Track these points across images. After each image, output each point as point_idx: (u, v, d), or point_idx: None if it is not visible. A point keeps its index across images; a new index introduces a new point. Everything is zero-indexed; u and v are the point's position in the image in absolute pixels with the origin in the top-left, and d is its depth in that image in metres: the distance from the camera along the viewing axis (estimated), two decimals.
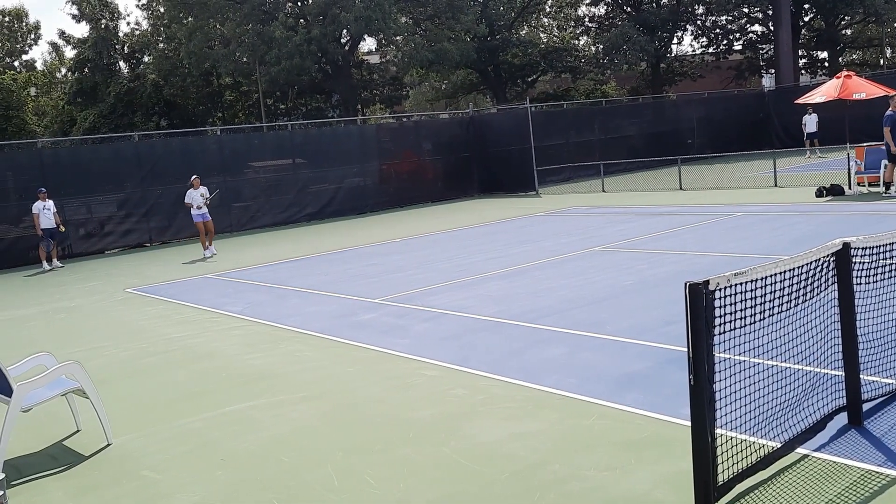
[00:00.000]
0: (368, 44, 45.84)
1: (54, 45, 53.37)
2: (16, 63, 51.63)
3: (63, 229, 18.46)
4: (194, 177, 18.25)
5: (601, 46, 44.85)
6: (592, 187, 25.49)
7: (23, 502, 5.03)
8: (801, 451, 4.59)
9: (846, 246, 4.74)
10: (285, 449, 5.57)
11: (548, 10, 49.55)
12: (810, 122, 28.63)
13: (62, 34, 48.14)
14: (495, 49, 44.02)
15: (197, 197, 17.82)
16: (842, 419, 4.98)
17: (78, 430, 6.36)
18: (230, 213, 23.07)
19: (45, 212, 17.69)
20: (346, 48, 39.99)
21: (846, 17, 45.85)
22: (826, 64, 49.24)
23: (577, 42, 50.33)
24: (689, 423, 3.97)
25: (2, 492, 2.21)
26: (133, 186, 21.57)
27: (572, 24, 51.02)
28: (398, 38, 36.83)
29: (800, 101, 20.10)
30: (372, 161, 26.24)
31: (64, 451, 5.99)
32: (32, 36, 52.96)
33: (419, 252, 15.13)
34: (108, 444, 5.98)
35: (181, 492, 5.03)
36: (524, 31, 47.19)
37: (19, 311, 12.73)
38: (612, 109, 35.45)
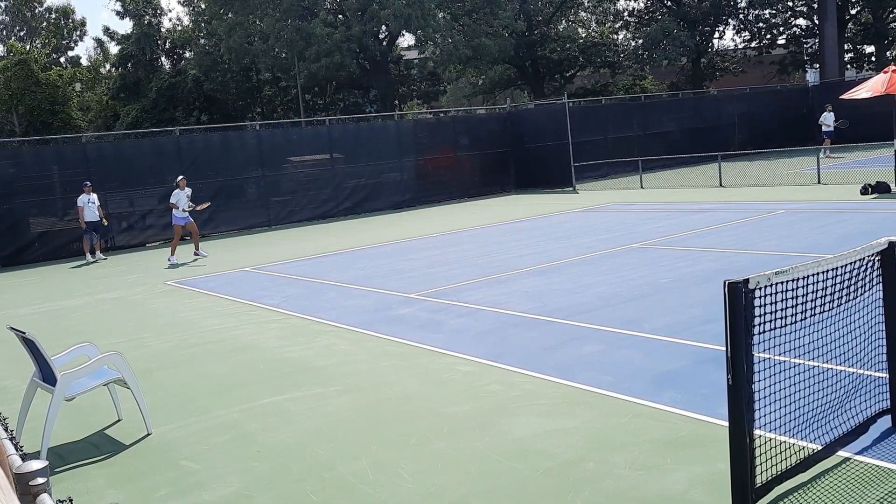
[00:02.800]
0: (407, 39, 45.98)
1: (99, 42, 54.46)
2: (62, 59, 52.75)
3: (107, 222, 18.83)
4: (181, 177, 17.50)
5: (640, 41, 44.34)
6: (630, 183, 25.25)
7: (65, 489, 5.15)
8: (842, 453, 4.51)
9: (892, 245, 4.63)
10: (321, 441, 5.62)
11: (586, 4, 49.13)
12: (828, 120, 28.02)
13: (107, 30, 49.17)
14: (533, 44, 43.80)
15: (183, 198, 16.86)
16: (885, 422, 4.87)
17: (119, 420, 6.49)
18: (268, 207, 23.33)
19: (90, 205, 18.05)
20: (385, 44, 40.14)
21: (895, 10, 44.70)
22: (873, 58, 48.08)
23: (615, 37, 49.84)
24: (726, 424, 3.91)
25: (46, 478, 2.26)
26: (174, 180, 21.88)
27: (611, 18, 50.52)
28: (437, 34, 36.86)
29: (845, 96, 19.66)
30: (409, 156, 26.30)
31: (105, 440, 6.11)
32: (78, 32, 54.04)
33: (455, 247, 15.14)
34: (148, 434, 6.09)
35: (218, 482, 5.10)
36: (562, 26, 46.85)
37: (64, 302, 13.02)
38: (652, 105, 35.04)
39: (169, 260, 16.81)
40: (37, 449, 5.65)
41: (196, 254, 17.33)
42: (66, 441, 6.11)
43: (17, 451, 2.70)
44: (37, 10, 52.18)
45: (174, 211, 17.00)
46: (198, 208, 17.27)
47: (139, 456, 5.71)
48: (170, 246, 17.42)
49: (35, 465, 2.27)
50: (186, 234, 17.59)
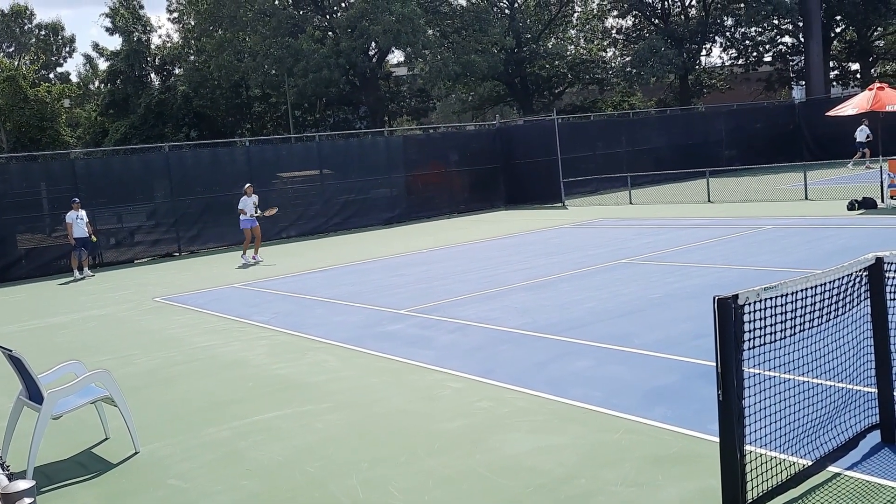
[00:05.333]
0: (396, 56, 46.17)
1: (88, 58, 54.45)
2: (51, 75, 52.68)
3: (95, 239, 18.74)
4: (248, 185, 18.97)
5: (628, 58, 44.71)
6: (619, 199, 25.35)
7: None
8: (832, 469, 4.52)
9: (879, 260, 4.67)
10: (311, 459, 5.59)
11: (575, 22, 49.53)
12: (861, 133, 28.00)
13: (96, 47, 49.06)
14: (522, 61, 44.06)
15: (250, 204, 18.47)
16: (874, 437, 4.88)
17: (106, 438, 6.43)
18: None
19: (79, 221, 17.96)
20: (374, 60, 40.29)
21: (879, 28, 45.29)
22: (858, 75, 48.66)
23: (604, 54, 50.25)
24: (717, 439, 3.92)
25: (32, 498, 2.24)
26: (163, 197, 21.86)
27: (599, 36, 50.95)
28: (426, 51, 37.03)
29: (831, 113, 19.87)
30: (398, 172, 26.34)
31: (92, 459, 6.05)
32: (68, 49, 54.09)
33: (445, 263, 15.13)
34: (136, 452, 6.03)
35: (207, 500, 5.06)
36: (551, 44, 47.19)
37: (51, 319, 12.92)
38: (640, 121, 35.29)
39: (242, 258, 18.51)
40: (23, 468, 5.59)
41: (254, 258, 18.62)
42: (53, 460, 6.05)
43: (3, 470, 2.67)
44: (26, 27, 52.16)
45: (241, 215, 18.53)
46: (265, 214, 18.95)
47: (127, 475, 5.66)
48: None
49: (22, 484, 2.25)
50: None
